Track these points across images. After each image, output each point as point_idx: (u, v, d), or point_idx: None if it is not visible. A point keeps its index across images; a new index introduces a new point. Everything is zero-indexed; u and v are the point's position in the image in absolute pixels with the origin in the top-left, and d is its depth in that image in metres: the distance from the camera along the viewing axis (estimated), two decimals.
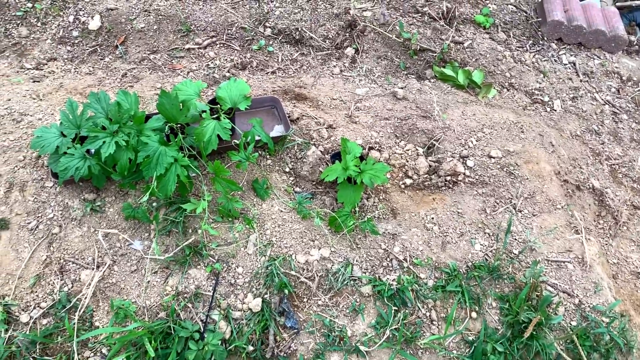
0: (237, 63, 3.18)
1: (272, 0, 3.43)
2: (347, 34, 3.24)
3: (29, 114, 2.59)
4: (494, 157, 2.70)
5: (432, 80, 3.13)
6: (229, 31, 3.29)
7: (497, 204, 2.55)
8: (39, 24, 3.31)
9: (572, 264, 2.41)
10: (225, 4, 3.41)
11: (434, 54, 3.16)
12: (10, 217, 2.24)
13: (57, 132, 2.17)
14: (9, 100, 2.66)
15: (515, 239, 2.44)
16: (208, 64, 3.16)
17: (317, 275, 2.23)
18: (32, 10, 3.34)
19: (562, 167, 2.79)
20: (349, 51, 3.20)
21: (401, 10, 3.31)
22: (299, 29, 3.27)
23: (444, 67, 3.15)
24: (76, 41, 3.24)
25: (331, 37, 3.26)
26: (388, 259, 2.32)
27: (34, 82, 3.00)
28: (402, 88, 3.03)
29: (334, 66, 3.18)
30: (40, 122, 2.56)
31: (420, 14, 3.29)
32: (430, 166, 2.65)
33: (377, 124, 2.80)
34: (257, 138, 2.31)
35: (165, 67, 3.15)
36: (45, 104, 2.68)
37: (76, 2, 3.36)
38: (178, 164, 2.13)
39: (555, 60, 3.35)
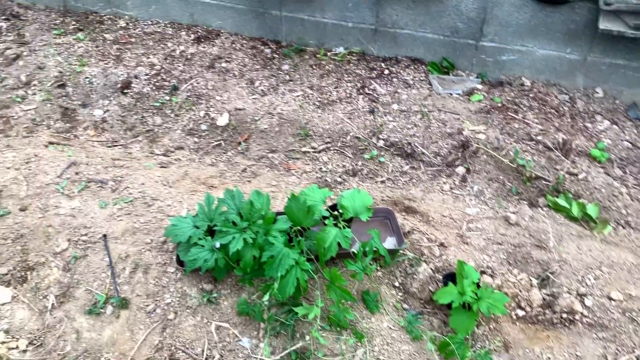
0: (349, 169, 3.30)
1: (387, 114, 3.59)
2: (459, 153, 3.30)
3: (160, 199, 2.77)
4: (614, 300, 2.55)
5: (544, 209, 3.09)
6: (344, 139, 3.45)
7: (619, 352, 2.37)
8: (172, 115, 3.63)
9: None
10: (343, 114, 3.60)
11: (548, 183, 3.14)
12: (131, 298, 2.33)
13: (191, 222, 2.30)
14: (143, 184, 2.87)
15: None
16: (321, 168, 3.30)
17: None
18: (168, 102, 3.68)
19: None
20: (460, 170, 3.25)
21: (515, 137, 3.35)
22: (411, 144, 3.37)
23: (557, 197, 3.11)
24: (203, 134, 3.51)
25: (442, 154, 3.33)
26: None
27: (161, 167, 3.24)
28: (514, 213, 3.00)
29: (444, 183, 3.22)
30: (169, 207, 2.73)
31: (534, 142, 3.32)
32: (544, 299, 2.54)
33: (490, 247, 2.76)
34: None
35: (281, 166, 3.31)
36: (175, 191, 2.87)
37: (208, 99, 3.67)
38: (299, 267, 2.17)
39: None
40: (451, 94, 3.72)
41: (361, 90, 3.80)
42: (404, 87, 3.81)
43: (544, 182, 3.17)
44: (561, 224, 2.99)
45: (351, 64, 4.00)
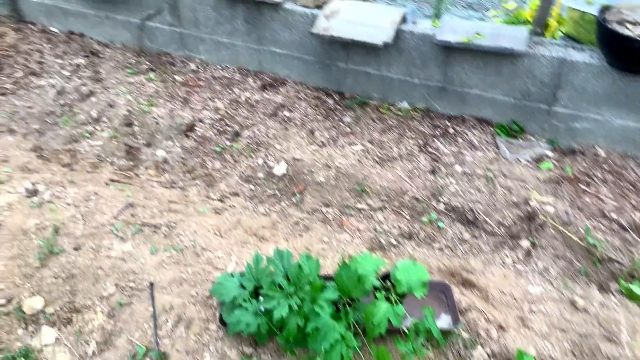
0: (405, 232, 3.16)
1: (449, 175, 3.45)
2: (524, 225, 3.10)
3: (209, 249, 2.74)
4: None
5: (616, 295, 2.82)
6: (401, 199, 3.33)
7: None
8: (231, 161, 3.64)
9: None
10: (402, 172, 3.49)
11: (621, 267, 2.88)
12: (171, 353, 2.27)
13: (237, 282, 2.23)
14: (195, 232, 2.85)
15: None
16: (376, 227, 3.18)
17: None
18: (229, 147, 3.70)
19: None
20: (524, 243, 3.04)
21: (586, 212, 3.12)
22: (473, 210, 3.21)
23: (631, 283, 2.84)
24: (260, 182, 3.49)
25: (506, 224, 3.14)
26: None
27: (215, 213, 3.22)
28: (581, 297, 2.75)
29: (506, 256, 3.02)
30: (217, 259, 2.68)
31: (608, 220, 3.08)
32: None
33: (553, 334, 2.53)
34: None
35: (334, 222, 3.22)
36: (225, 242, 2.83)
37: (268, 147, 3.67)
38: (344, 342, 2.05)
39: None
40: (519, 160, 3.54)
41: (423, 149, 3.69)
42: (469, 148, 3.66)
43: (617, 265, 2.91)
44: (636, 315, 2.71)
45: (414, 121, 3.91)
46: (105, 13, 4.56)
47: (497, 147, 3.65)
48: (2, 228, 2.77)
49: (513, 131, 3.73)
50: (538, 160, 3.55)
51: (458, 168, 3.52)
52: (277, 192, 3.42)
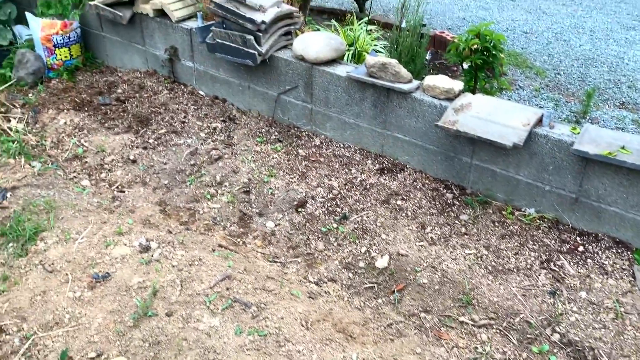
0: (509, 359, 2.81)
1: (571, 301, 3.05)
2: None
3: (292, 341, 2.65)
4: None
5: None
6: (511, 319, 2.99)
7: None
8: (335, 244, 3.57)
9: None
10: (517, 288, 3.15)
11: None
12: None
13: None
14: (282, 319, 2.79)
15: None
16: (477, 347, 2.87)
17: None
18: (334, 230, 3.66)
19: None
20: None
21: None
22: (594, 350, 2.77)
23: None
24: (359, 271, 3.36)
25: None
26: None
27: (309, 297, 3.15)
28: None
29: None
30: (298, 354, 2.58)
31: None
32: None
33: None
34: None
35: (431, 332, 2.97)
36: (310, 336, 2.72)
37: (373, 236, 3.56)
38: None
39: None
40: None
41: (545, 264, 3.32)
42: (599, 273, 3.22)
43: None
44: None
45: (540, 231, 3.55)
46: (248, 83, 4.88)
47: (634, 276, 3.16)
48: (110, 280, 2.96)
49: None
50: None
51: (583, 294, 3.10)
52: (375, 285, 3.27)
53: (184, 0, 5.25)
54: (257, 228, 3.75)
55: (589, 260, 3.31)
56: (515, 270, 3.30)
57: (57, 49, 5.52)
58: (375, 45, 5.68)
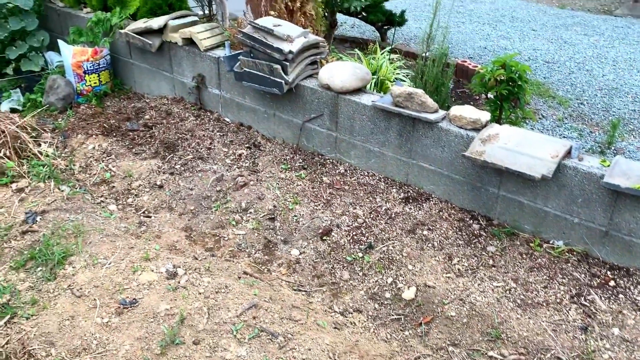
0: None
1: (603, 337, 2.98)
2: None
3: None
4: None
5: None
6: (542, 355, 2.93)
7: None
8: (360, 273, 3.55)
9: None
10: (547, 323, 3.09)
11: None
12: None
13: None
14: (309, 350, 2.77)
15: None
16: None
17: None
18: (360, 259, 3.64)
19: None
20: None
21: None
22: None
23: None
24: (385, 302, 3.33)
25: None
26: None
27: (335, 327, 3.12)
28: None
29: None
30: None
31: None
32: None
33: None
34: None
35: None
36: None
37: (400, 266, 3.53)
38: None
39: None
40: None
41: (575, 299, 3.26)
42: (632, 309, 3.15)
43: None
44: None
45: (569, 264, 3.50)
46: (274, 111, 4.93)
47: None
48: (138, 306, 2.97)
49: None
50: None
51: (616, 331, 3.02)
52: (402, 317, 3.23)
53: (212, 30, 5.37)
54: (282, 256, 3.75)
55: (620, 296, 3.24)
56: (544, 304, 3.24)
57: (87, 75, 5.66)
58: (397, 73, 5.72)
